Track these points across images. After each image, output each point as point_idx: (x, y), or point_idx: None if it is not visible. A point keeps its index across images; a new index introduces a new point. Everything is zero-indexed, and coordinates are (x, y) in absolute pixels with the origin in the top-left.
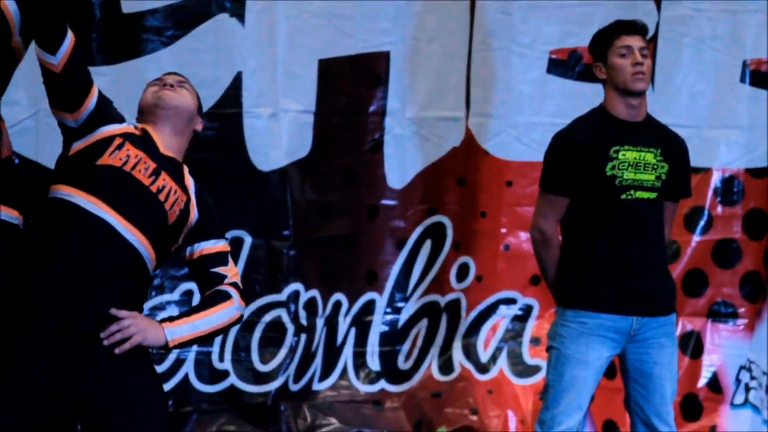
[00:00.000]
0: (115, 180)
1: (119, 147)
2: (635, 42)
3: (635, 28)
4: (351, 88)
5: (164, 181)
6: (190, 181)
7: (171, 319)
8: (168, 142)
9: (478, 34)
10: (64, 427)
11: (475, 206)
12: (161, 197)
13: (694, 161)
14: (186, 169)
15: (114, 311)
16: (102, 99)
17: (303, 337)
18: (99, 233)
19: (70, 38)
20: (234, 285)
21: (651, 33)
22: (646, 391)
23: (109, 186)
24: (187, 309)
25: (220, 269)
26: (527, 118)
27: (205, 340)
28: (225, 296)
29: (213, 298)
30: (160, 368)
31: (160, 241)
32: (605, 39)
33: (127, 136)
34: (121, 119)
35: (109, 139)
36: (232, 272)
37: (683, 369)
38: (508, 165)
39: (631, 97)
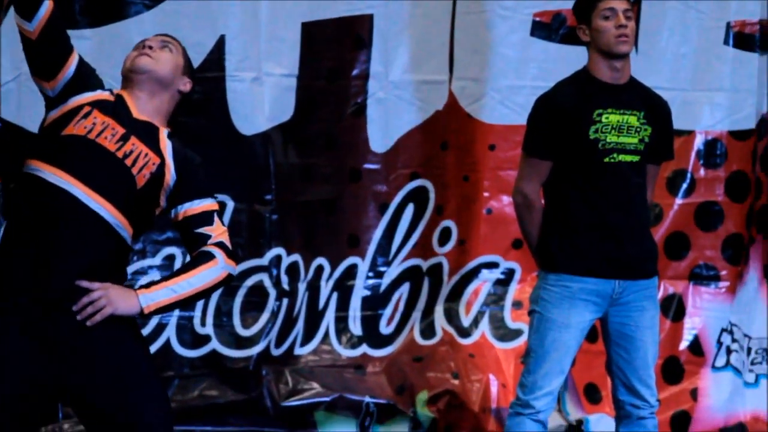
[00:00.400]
0: (78, 149)
1: (86, 115)
2: (619, 4)
3: None
4: (334, 52)
5: (133, 146)
6: (166, 144)
7: (149, 285)
8: (143, 106)
9: None
10: (44, 401)
11: (458, 170)
12: (128, 162)
13: (677, 124)
14: (163, 132)
15: (85, 283)
16: (81, 68)
17: (285, 301)
18: (63, 205)
19: (47, 6)
20: (219, 245)
21: None
22: (628, 355)
23: (73, 155)
24: (169, 273)
25: (204, 229)
26: (511, 81)
27: (188, 302)
28: (208, 257)
29: (195, 259)
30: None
31: (133, 207)
32: (589, 1)
33: (96, 104)
34: (96, 87)
35: (77, 109)
36: (218, 231)
37: (665, 332)
38: (491, 128)
39: (614, 59)
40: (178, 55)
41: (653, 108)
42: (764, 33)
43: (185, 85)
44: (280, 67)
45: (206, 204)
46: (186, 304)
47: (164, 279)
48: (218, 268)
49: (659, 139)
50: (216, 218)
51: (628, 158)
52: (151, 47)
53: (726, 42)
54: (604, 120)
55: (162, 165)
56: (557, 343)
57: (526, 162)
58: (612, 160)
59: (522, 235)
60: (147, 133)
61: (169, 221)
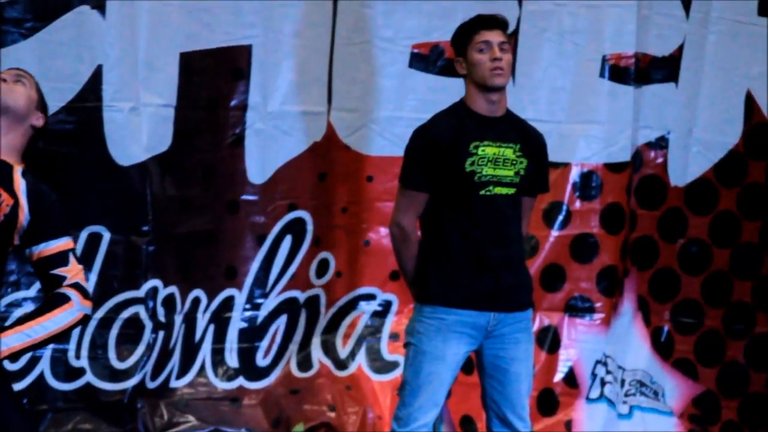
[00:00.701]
0: None
1: None
2: (494, 37)
3: (495, 22)
4: (212, 82)
5: None
6: (20, 183)
7: (2, 328)
8: None
9: (340, 28)
10: None
11: (336, 201)
12: None
13: (554, 156)
14: (17, 170)
15: None
16: None
17: (161, 334)
18: None
19: None
20: (75, 286)
21: (512, 28)
22: (502, 387)
23: None
24: (22, 315)
25: (59, 270)
26: (389, 112)
27: (43, 345)
28: (63, 299)
29: (50, 302)
30: (14, 366)
31: None
32: (465, 34)
33: None
34: None
35: None
36: (73, 272)
37: (540, 364)
38: (369, 160)
39: (490, 92)
40: (32, 89)
41: (529, 141)
42: (639, 66)
43: (38, 120)
44: (157, 98)
45: (61, 244)
46: (41, 347)
47: (18, 322)
48: (74, 310)
49: (535, 171)
50: (71, 258)
51: (504, 191)
52: (5, 80)
53: (602, 75)
54: (480, 152)
55: (16, 206)
56: (432, 376)
57: (402, 194)
58: (488, 193)
59: (398, 266)
60: (0, 173)
61: None
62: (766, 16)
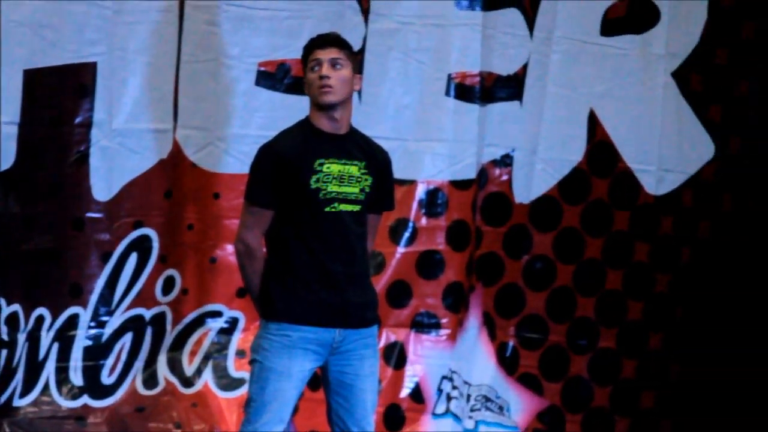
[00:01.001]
0: None
1: None
2: (326, 55)
3: (327, 41)
4: (57, 99)
5: None
6: None
7: None
8: None
9: (186, 46)
10: None
11: (182, 219)
12: None
13: (400, 173)
14: None
15: None
16: None
17: (4, 352)
18: None
19: None
20: None
21: (359, 46)
22: (348, 403)
23: None
24: None
25: None
26: (236, 130)
27: None
28: None
29: None
30: None
31: None
32: (303, 54)
33: None
34: None
35: None
36: None
37: (386, 380)
38: (215, 177)
39: (324, 110)
40: None
41: (374, 158)
42: (484, 84)
43: None
44: (1, 115)
45: None
46: None
47: None
48: None
49: (380, 189)
50: None
51: (349, 208)
52: None
53: (447, 93)
54: (325, 169)
55: None
56: (277, 393)
57: (247, 210)
58: (333, 210)
59: (243, 283)
60: None
61: None
62: (608, 35)
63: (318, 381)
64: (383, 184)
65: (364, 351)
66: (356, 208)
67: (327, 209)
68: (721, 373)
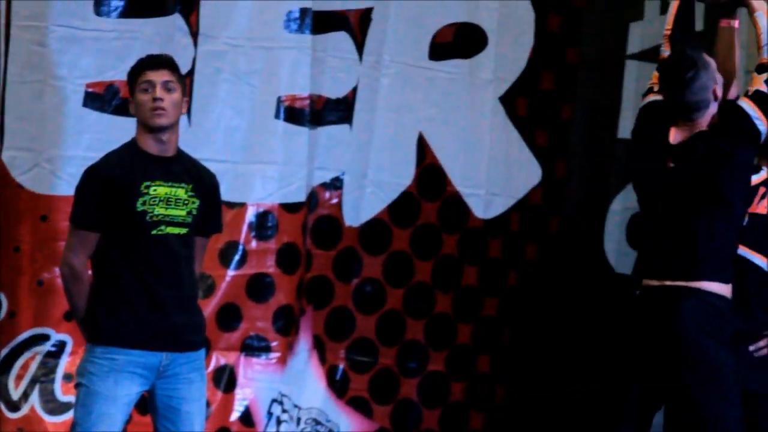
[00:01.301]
0: None
1: None
2: (158, 77)
3: (159, 62)
4: None
5: None
6: None
7: None
8: None
9: (13, 66)
10: None
11: (9, 241)
12: None
13: (230, 196)
14: None
15: None
16: None
17: None
18: None
19: None
20: None
21: (188, 68)
22: (175, 427)
23: None
24: None
25: None
26: (63, 151)
27: None
28: None
29: None
30: None
31: None
32: (132, 75)
33: None
34: None
35: None
36: None
37: (216, 403)
38: (43, 199)
39: (155, 132)
40: None
41: (201, 181)
42: (314, 107)
43: None
44: None
45: None
46: None
47: None
48: None
49: (207, 211)
50: None
51: (176, 230)
52: None
53: (277, 116)
54: (152, 192)
55: None
56: (103, 417)
57: (73, 233)
58: (160, 233)
59: (69, 306)
60: None
61: None
62: (436, 60)
63: (146, 405)
64: (211, 206)
65: (191, 374)
66: (183, 230)
67: (154, 232)
68: (547, 396)
